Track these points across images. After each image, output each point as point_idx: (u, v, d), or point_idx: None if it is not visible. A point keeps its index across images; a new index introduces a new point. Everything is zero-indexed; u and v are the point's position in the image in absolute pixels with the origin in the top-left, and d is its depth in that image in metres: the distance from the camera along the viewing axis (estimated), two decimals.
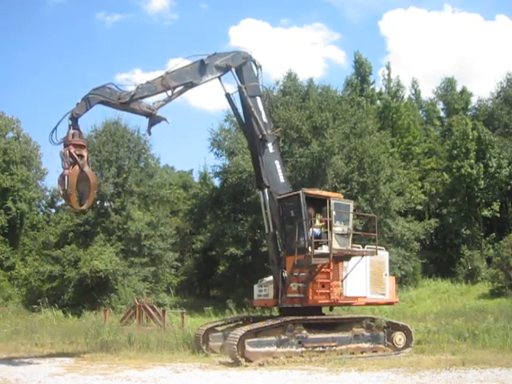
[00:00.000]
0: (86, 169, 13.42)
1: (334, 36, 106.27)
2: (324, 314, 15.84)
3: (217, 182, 44.30)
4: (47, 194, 46.52)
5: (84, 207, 14.09)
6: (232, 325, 16.43)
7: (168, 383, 11.20)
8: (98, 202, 36.00)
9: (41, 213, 46.51)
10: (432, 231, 44.14)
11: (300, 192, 14.99)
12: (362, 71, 55.83)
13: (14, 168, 40.19)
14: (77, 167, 13.23)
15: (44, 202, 47.21)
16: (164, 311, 22.39)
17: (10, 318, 27.25)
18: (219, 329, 16.36)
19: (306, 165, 36.69)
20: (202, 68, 14.98)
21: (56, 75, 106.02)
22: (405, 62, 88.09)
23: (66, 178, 13.08)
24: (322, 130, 37.72)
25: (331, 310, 16.61)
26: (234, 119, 41.50)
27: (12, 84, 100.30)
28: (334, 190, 32.45)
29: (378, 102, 54.68)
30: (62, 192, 13.36)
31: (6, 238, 39.43)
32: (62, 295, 32.84)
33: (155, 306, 23.56)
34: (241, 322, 16.38)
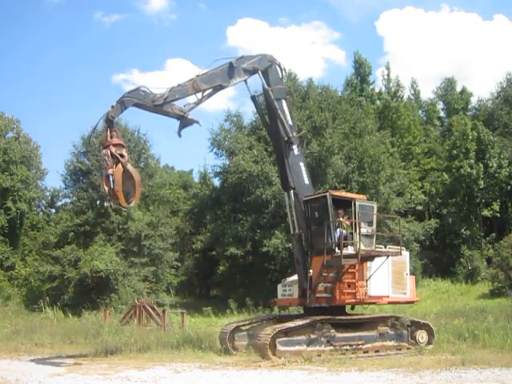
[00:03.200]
0: (129, 167, 13.60)
1: (333, 35, 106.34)
2: (347, 314, 16.03)
3: (217, 182, 44.34)
4: (47, 193, 46.58)
5: (132, 204, 14.26)
6: (256, 324, 16.50)
7: (168, 383, 11.19)
8: (98, 202, 36.02)
9: (41, 213, 46.54)
10: (432, 231, 44.13)
11: (327, 194, 15.29)
12: (361, 71, 55.86)
13: (14, 168, 40.20)
14: (120, 166, 13.37)
15: (44, 201, 47.25)
16: (164, 311, 22.42)
17: (9, 318, 27.24)
18: (244, 328, 16.43)
19: (306, 165, 36.67)
20: (230, 71, 15.23)
21: (55, 75, 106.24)
22: (403, 63, 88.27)
23: (111, 177, 13.25)
24: (322, 129, 37.73)
25: (353, 308, 16.80)
26: (235, 119, 41.63)
27: (12, 84, 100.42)
28: (334, 190, 32.43)
29: (378, 102, 54.70)
30: (107, 191, 13.44)
31: (6, 238, 39.46)
32: (62, 295, 32.86)
33: (155, 306, 23.60)
34: (265, 322, 16.46)
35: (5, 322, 24.67)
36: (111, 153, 13.38)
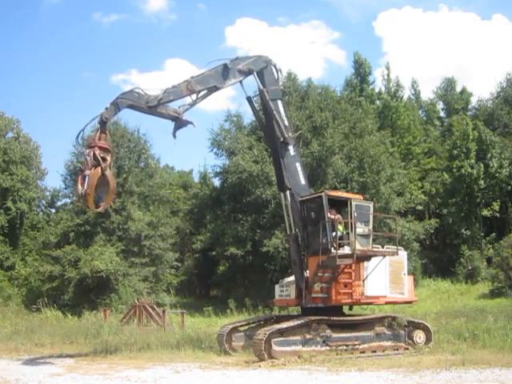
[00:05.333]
0: (108, 172, 13.51)
1: (333, 35, 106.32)
2: (345, 314, 16.04)
3: (217, 182, 44.37)
4: (47, 193, 46.57)
5: (100, 210, 14.18)
6: (254, 325, 16.55)
7: (168, 383, 11.19)
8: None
9: (41, 213, 46.50)
10: (432, 231, 44.14)
11: (322, 194, 15.28)
12: (361, 71, 55.93)
13: (14, 168, 40.18)
14: (99, 169, 13.30)
15: (44, 201, 47.22)
16: (164, 311, 22.42)
17: (10, 318, 27.21)
18: (241, 329, 16.47)
19: (306, 165, 36.63)
20: (225, 72, 15.24)
21: (54, 75, 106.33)
22: (401, 63, 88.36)
23: (87, 178, 13.16)
24: (322, 129, 37.75)
25: (351, 309, 16.83)
26: (235, 119, 41.64)
27: (12, 84, 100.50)
28: (334, 189, 32.45)
29: (378, 102, 54.70)
30: (80, 191, 13.32)
31: (5, 238, 39.42)
32: (62, 295, 32.88)
33: (155, 306, 23.59)
34: (262, 322, 16.51)
35: (5, 322, 24.64)
36: (94, 154, 13.31)
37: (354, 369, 12.59)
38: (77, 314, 29.37)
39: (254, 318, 18.71)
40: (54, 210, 46.41)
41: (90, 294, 32.19)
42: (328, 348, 14.38)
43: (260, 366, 13.06)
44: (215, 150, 41.28)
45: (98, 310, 27.73)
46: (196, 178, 56.47)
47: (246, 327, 16.53)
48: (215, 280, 44.35)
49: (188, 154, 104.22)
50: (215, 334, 17.33)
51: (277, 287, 16.73)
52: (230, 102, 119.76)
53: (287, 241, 17.28)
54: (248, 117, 42.38)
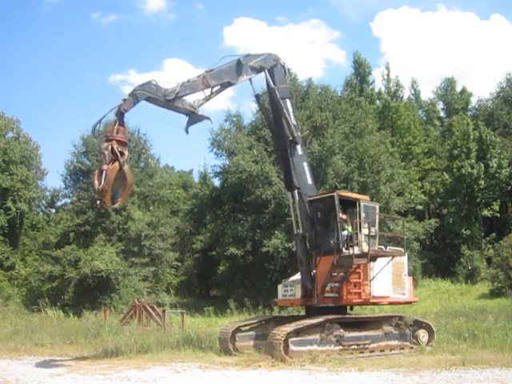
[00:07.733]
0: (126, 168, 13.24)
1: (332, 34, 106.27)
2: (349, 314, 16.07)
3: (217, 182, 44.35)
4: (47, 193, 46.59)
5: (116, 205, 13.85)
6: (256, 325, 16.49)
7: (168, 383, 11.19)
8: (98, 202, 36.01)
9: (41, 213, 46.52)
10: (432, 231, 44.14)
11: (335, 194, 15.27)
12: (361, 71, 55.92)
13: (14, 168, 40.22)
14: (117, 164, 12.99)
15: (44, 201, 47.25)
16: (164, 311, 22.43)
17: (9, 318, 27.24)
18: (244, 328, 16.38)
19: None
20: (238, 68, 15.27)
21: (54, 76, 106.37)
22: (400, 63, 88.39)
23: (104, 173, 12.81)
24: (322, 129, 37.73)
25: (352, 309, 16.81)
26: (235, 119, 41.62)
27: (12, 84, 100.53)
28: (335, 190, 32.43)
29: (378, 101, 54.71)
30: (97, 186, 12.88)
31: (5, 238, 39.46)
32: (63, 295, 32.89)
33: (155, 306, 23.60)
34: (264, 322, 16.46)
35: (5, 322, 24.66)
36: (112, 148, 13.01)
37: (354, 369, 12.59)
38: (77, 314, 29.40)
39: (257, 317, 18.70)
40: (53, 210, 46.47)
41: (91, 293, 32.20)
42: (341, 347, 14.41)
43: (260, 366, 13.05)
44: (215, 150, 41.27)
45: (98, 310, 27.77)
46: (196, 178, 56.52)
47: (249, 327, 16.48)
48: (215, 280, 44.38)
49: (188, 154, 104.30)
50: (215, 334, 17.33)
51: (280, 287, 16.64)
52: (229, 102, 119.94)
53: (293, 240, 17.33)
54: (248, 117, 42.44)
